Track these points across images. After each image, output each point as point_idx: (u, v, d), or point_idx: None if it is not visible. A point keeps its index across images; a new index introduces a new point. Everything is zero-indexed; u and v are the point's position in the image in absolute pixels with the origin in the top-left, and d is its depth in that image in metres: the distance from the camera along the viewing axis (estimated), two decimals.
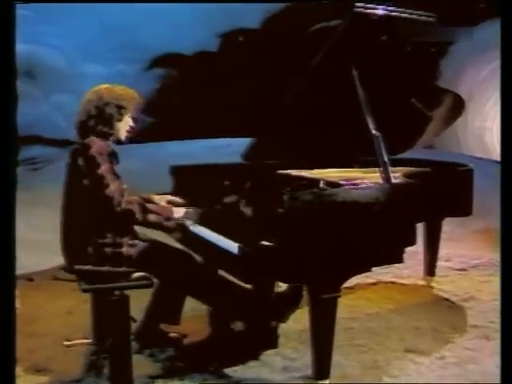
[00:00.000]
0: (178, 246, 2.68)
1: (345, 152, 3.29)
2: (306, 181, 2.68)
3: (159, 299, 2.71)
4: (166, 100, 12.09)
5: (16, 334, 2.05)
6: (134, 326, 2.63)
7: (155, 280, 2.48)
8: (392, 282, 3.82)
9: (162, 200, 2.68)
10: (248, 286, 2.64)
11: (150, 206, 2.45)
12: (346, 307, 3.27)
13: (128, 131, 2.54)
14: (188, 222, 2.64)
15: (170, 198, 2.73)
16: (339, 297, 2.20)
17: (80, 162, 2.35)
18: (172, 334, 2.75)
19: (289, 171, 3.13)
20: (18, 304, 3.27)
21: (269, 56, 10.91)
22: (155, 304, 2.73)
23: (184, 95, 11.67)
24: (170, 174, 3.19)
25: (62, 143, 11.50)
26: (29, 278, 3.81)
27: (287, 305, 2.75)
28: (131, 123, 2.54)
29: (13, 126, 2.11)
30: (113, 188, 2.33)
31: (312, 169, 3.24)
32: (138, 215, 2.37)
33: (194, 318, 2.82)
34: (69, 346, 2.70)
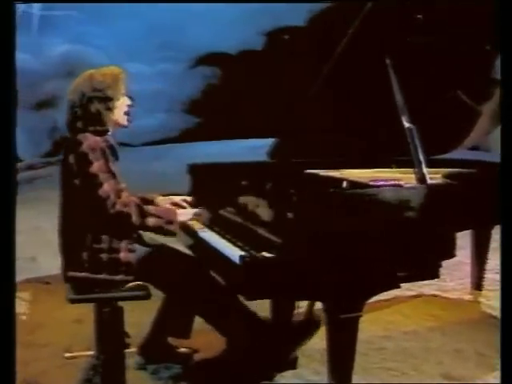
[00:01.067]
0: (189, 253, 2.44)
1: (381, 151, 2.98)
2: (330, 181, 2.39)
3: (168, 309, 2.47)
4: (209, 99, 11.99)
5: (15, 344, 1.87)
6: (139, 339, 2.44)
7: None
8: (435, 296, 3.47)
9: (165, 201, 2.45)
10: (265, 316, 2.40)
11: (149, 208, 2.21)
12: (381, 323, 3.00)
13: (126, 113, 2.30)
14: (197, 226, 2.41)
15: (175, 198, 2.49)
16: (361, 316, 1.89)
17: (71, 159, 2.15)
18: (181, 349, 2.53)
19: (317, 171, 2.84)
20: (25, 309, 3.14)
21: (315, 54, 10.59)
22: (163, 314, 2.50)
23: (227, 94, 11.51)
24: (188, 173, 2.97)
25: None
26: (45, 282, 3.66)
27: (303, 334, 2.46)
28: (128, 102, 2.30)
29: (13, 127, 2.01)
30: (107, 188, 2.11)
31: (345, 168, 2.95)
32: (135, 218, 2.13)
33: (207, 331, 2.55)
34: (69, 358, 2.49)
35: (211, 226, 2.42)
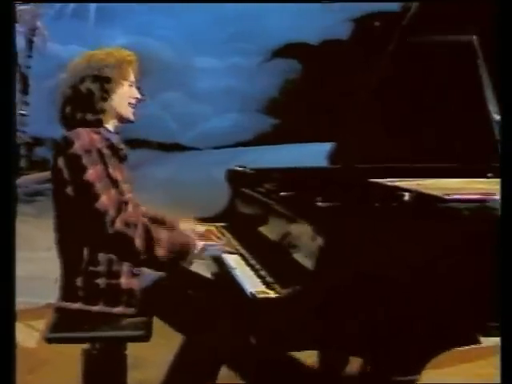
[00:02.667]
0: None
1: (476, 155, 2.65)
2: (394, 193, 2.06)
3: (187, 351, 2.22)
4: (287, 97, 11.80)
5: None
6: None
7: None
8: None
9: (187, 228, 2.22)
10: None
11: (161, 232, 1.96)
12: (469, 376, 2.72)
13: (132, 104, 2.08)
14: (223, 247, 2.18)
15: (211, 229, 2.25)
16: (416, 381, 1.56)
17: (60, 163, 1.95)
18: None
19: (384, 180, 2.53)
20: (34, 342, 3.03)
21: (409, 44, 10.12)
22: (182, 359, 2.25)
23: (308, 91, 11.26)
24: (227, 180, 2.83)
25: (171, 147, 11.63)
26: None
27: None
28: (135, 94, 2.08)
29: (13, 129, 1.93)
30: (105, 200, 1.90)
31: (426, 177, 2.62)
32: (139, 243, 1.89)
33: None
34: None
35: (241, 246, 2.19)
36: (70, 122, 2.02)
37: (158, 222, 2.24)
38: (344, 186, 2.36)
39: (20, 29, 7.82)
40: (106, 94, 2.01)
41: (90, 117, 2.00)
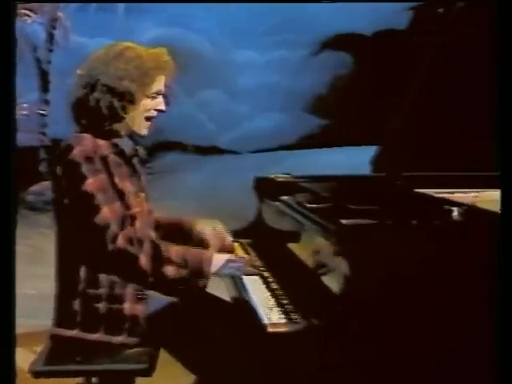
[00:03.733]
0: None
1: None
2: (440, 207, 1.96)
3: None
4: (336, 94, 11.72)
5: None
6: None
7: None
8: None
9: (205, 228, 2.17)
10: None
11: (172, 249, 1.88)
12: None
13: (150, 117, 2.01)
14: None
15: (219, 227, 2.19)
16: None
17: (59, 171, 1.89)
18: None
19: (432, 191, 2.45)
20: None
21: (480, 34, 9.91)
22: None
23: (360, 87, 11.16)
24: (254, 189, 2.78)
25: (207, 150, 11.64)
26: None
27: None
28: (159, 105, 1.99)
29: (12, 131, 1.91)
30: (107, 213, 1.83)
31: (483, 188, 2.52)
32: (145, 263, 1.82)
33: None
34: None
35: (264, 266, 2.13)
36: (76, 125, 1.97)
37: (174, 228, 2.20)
38: (386, 198, 2.27)
39: (39, 20, 7.85)
40: (116, 112, 1.93)
41: (94, 127, 1.94)
